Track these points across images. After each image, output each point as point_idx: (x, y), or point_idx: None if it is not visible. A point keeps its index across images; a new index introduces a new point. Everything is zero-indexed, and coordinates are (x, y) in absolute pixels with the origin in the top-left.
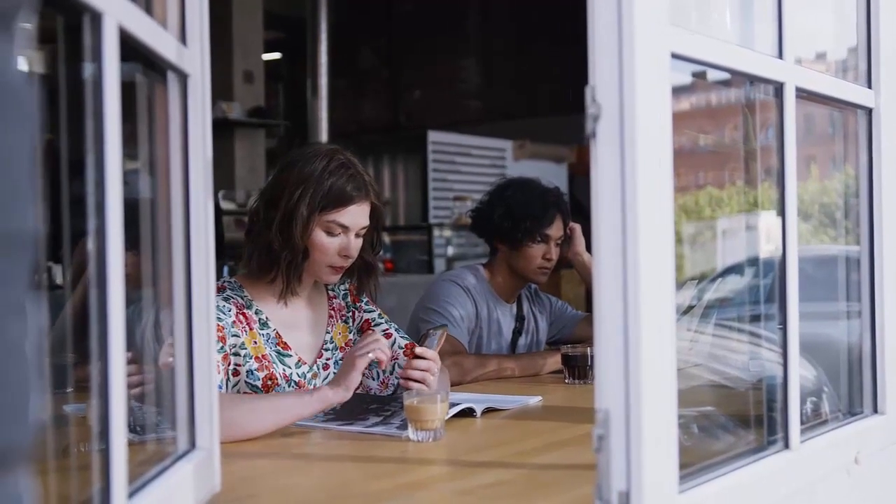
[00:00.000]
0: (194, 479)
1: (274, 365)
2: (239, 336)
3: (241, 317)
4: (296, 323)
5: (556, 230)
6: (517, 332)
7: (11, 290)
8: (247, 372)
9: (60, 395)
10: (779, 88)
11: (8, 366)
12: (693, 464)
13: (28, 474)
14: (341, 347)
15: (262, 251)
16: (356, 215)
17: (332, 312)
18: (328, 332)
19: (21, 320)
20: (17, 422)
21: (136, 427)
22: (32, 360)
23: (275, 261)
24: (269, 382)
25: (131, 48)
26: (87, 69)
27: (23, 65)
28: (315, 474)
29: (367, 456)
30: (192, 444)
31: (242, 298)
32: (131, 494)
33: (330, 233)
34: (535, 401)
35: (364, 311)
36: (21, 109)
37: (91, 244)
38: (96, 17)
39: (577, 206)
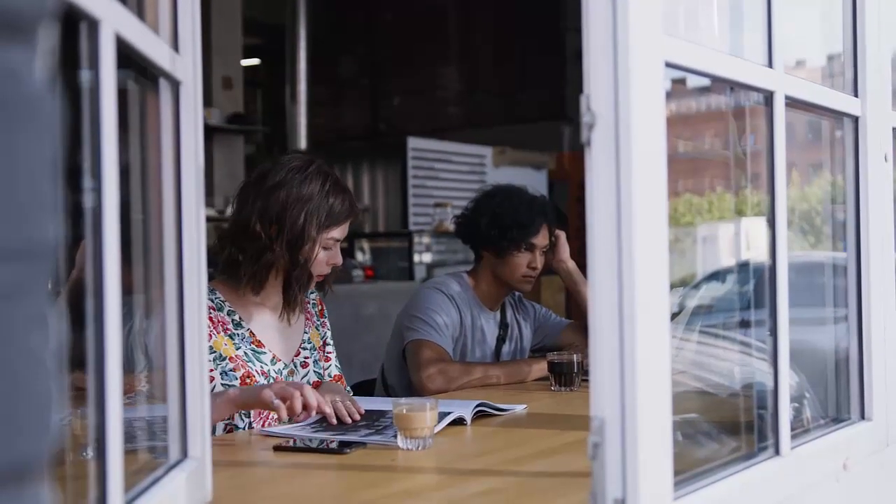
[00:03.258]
0: (187, 488)
1: (250, 363)
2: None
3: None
4: (272, 324)
5: (542, 239)
6: (501, 340)
7: (33, 300)
8: (221, 373)
9: None
10: (769, 97)
11: (30, 376)
12: (686, 471)
13: (49, 485)
14: (318, 348)
15: (265, 269)
16: (347, 228)
17: (308, 315)
18: (306, 333)
19: (42, 330)
20: (40, 433)
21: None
22: (53, 370)
23: (267, 274)
24: (248, 380)
25: (124, 55)
26: (83, 76)
27: (44, 74)
28: (306, 483)
29: (357, 465)
30: (185, 454)
31: (213, 301)
32: None
33: (325, 248)
34: (521, 409)
35: (326, 328)
36: (43, 119)
37: (86, 251)
38: (93, 25)
39: (557, 213)
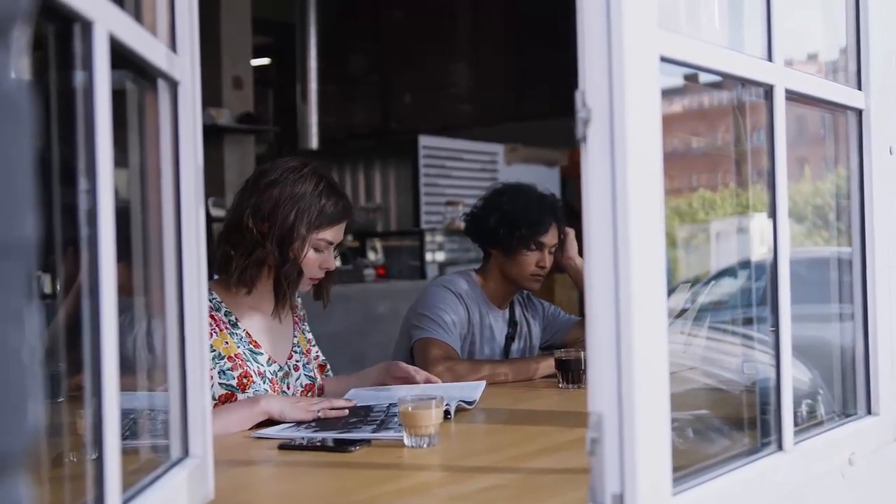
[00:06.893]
0: (188, 486)
1: (248, 363)
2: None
3: (209, 319)
4: (265, 326)
5: (550, 238)
6: (510, 338)
7: (10, 296)
8: (220, 372)
9: (53, 404)
10: (769, 91)
11: (6, 372)
12: (687, 466)
13: (26, 480)
14: (305, 352)
15: (255, 265)
16: (341, 232)
17: (297, 320)
18: (295, 337)
19: (19, 327)
20: (15, 428)
21: (125, 434)
22: (30, 367)
23: (260, 273)
24: (245, 380)
25: (121, 55)
26: (78, 77)
27: (19, 73)
28: (309, 481)
29: (361, 462)
30: (186, 452)
31: (211, 301)
32: (125, 502)
33: (317, 249)
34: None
35: (308, 332)
36: (19, 118)
37: (83, 253)
38: (87, 26)
39: (569, 210)
